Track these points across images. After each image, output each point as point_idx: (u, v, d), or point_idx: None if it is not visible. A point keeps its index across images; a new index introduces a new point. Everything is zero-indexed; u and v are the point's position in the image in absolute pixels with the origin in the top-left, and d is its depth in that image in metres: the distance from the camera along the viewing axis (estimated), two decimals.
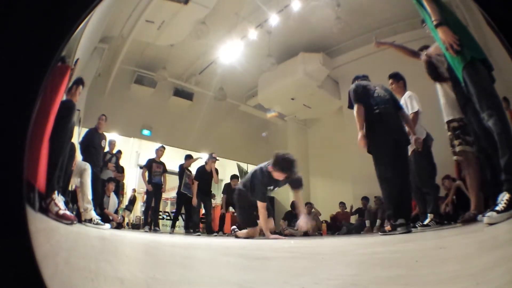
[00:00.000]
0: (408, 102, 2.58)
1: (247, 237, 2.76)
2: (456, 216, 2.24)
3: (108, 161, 3.18)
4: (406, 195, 2.48)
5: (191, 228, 3.63)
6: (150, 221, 3.52)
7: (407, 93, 2.62)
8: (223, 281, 1.01)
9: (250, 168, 4.27)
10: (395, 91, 2.65)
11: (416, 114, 2.52)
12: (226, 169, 4.31)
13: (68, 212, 1.79)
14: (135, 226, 3.61)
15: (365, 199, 3.19)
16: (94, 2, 0.82)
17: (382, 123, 2.61)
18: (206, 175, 3.70)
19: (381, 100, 2.61)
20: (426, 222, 2.35)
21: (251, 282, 0.96)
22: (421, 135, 2.49)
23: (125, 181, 3.56)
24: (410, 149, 2.51)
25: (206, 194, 3.71)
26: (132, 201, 3.69)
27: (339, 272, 1.11)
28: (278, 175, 2.81)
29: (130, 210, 3.68)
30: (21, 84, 0.72)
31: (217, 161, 3.73)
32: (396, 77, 2.65)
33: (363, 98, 2.68)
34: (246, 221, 2.90)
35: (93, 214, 2.35)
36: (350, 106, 2.69)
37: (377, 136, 2.58)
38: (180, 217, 3.80)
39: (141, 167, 3.64)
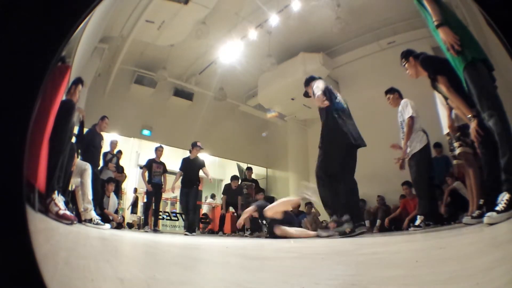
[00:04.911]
0: (404, 108, 2.67)
1: None
2: (456, 216, 2.25)
3: (108, 161, 3.18)
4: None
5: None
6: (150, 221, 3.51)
7: (403, 100, 2.72)
8: (223, 281, 1.01)
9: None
10: (393, 103, 2.78)
11: (411, 118, 2.59)
12: (226, 169, 4.31)
13: (68, 212, 1.79)
14: (138, 226, 3.61)
15: (361, 201, 3.20)
16: (94, 2, 0.82)
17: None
18: (190, 165, 3.62)
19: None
20: (416, 223, 2.41)
21: (251, 282, 0.96)
22: (421, 142, 2.53)
23: (126, 181, 3.56)
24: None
25: (190, 186, 3.59)
26: (135, 202, 3.69)
27: (339, 272, 1.11)
28: None
29: (136, 213, 3.68)
30: (21, 84, 0.72)
31: (202, 150, 3.63)
32: (391, 91, 2.79)
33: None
34: None
35: (93, 214, 2.35)
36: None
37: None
38: (180, 217, 3.79)
39: (141, 167, 3.64)
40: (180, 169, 3.61)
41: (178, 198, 3.62)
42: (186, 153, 3.69)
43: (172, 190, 3.56)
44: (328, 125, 2.83)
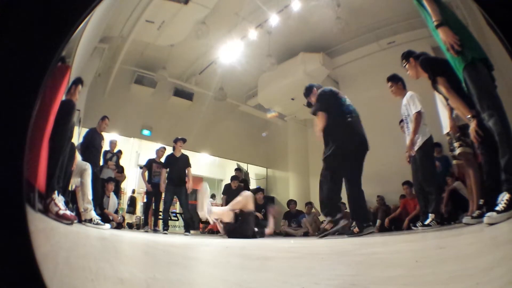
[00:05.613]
0: (411, 102, 2.60)
1: None
2: (456, 216, 2.25)
3: (108, 160, 3.19)
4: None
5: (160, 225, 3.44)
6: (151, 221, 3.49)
7: (409, 93, 2.65)
8: (223, 281, 1.01)
9: (250, 168, 4.27)
10: (395, 92, 2.71)
11: (419, 114, 2.55)
12: (226, 169, 4.31)
13: (68, 212, 1.79)
14: (138, 227, 3.61)
15: None
16: (94, 2, 0.82)
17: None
18: (176, 162, 3.49)
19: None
20: (427, 222, 2.37)
21: (251, 282, 0.96)
22: (425, 136, 2.51)
23: (125, 181, 3.55)
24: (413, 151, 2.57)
25: (178, 184, 3.45)
26: (131, 202, 3.68)
27: (339, 272, 1.11)
28: None
29: (132, 212, 3.65)
30: (21, 84, 0.72)
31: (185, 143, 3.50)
32: (394, 79, 2.70)
33: None
34: None
35: (93, 214, 2.35)
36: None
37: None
38: (180, 217, 3.78)
39: (141, 167, 3.64)
40: (164, 166, 3.50)
41: (163, 196, 3.49)
42: (187, 153, 3.69)
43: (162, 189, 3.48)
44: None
